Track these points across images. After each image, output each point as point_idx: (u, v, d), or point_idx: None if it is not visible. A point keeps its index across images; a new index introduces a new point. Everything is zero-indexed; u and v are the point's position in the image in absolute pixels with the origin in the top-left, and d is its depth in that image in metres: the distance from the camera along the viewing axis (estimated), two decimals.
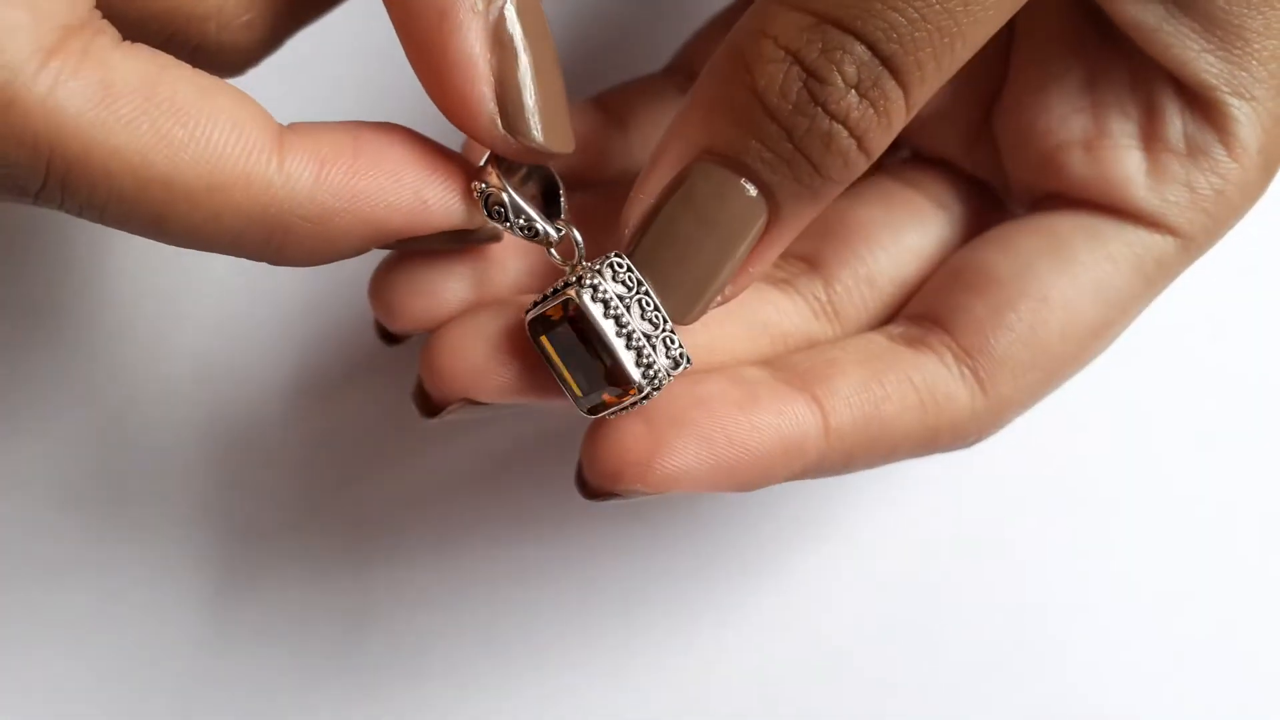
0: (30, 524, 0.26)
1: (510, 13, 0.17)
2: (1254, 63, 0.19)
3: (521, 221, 0.18)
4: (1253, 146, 0.20)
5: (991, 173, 0.23)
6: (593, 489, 0.19)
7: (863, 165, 0.17)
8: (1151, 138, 0.20)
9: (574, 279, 0.18)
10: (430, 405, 0.19)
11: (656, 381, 0.18)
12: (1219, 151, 0.20)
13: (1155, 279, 0.21)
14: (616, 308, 0.18)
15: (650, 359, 0.18)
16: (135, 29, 0.16)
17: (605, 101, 0.22)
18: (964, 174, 0.23)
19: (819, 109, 0.17)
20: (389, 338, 0.20)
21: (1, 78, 0.14)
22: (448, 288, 0.19)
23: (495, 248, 0.20)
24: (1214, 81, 0.19)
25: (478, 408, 0.19)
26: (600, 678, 0.27)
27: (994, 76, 0.22)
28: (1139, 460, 0.28)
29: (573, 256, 0.18)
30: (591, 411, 0.18)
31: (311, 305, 0.26)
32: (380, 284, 0.19)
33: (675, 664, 0.27)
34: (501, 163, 0.18)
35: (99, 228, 0.18)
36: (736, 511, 0.27)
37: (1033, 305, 0.20)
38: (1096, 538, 0.28)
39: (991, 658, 0.27)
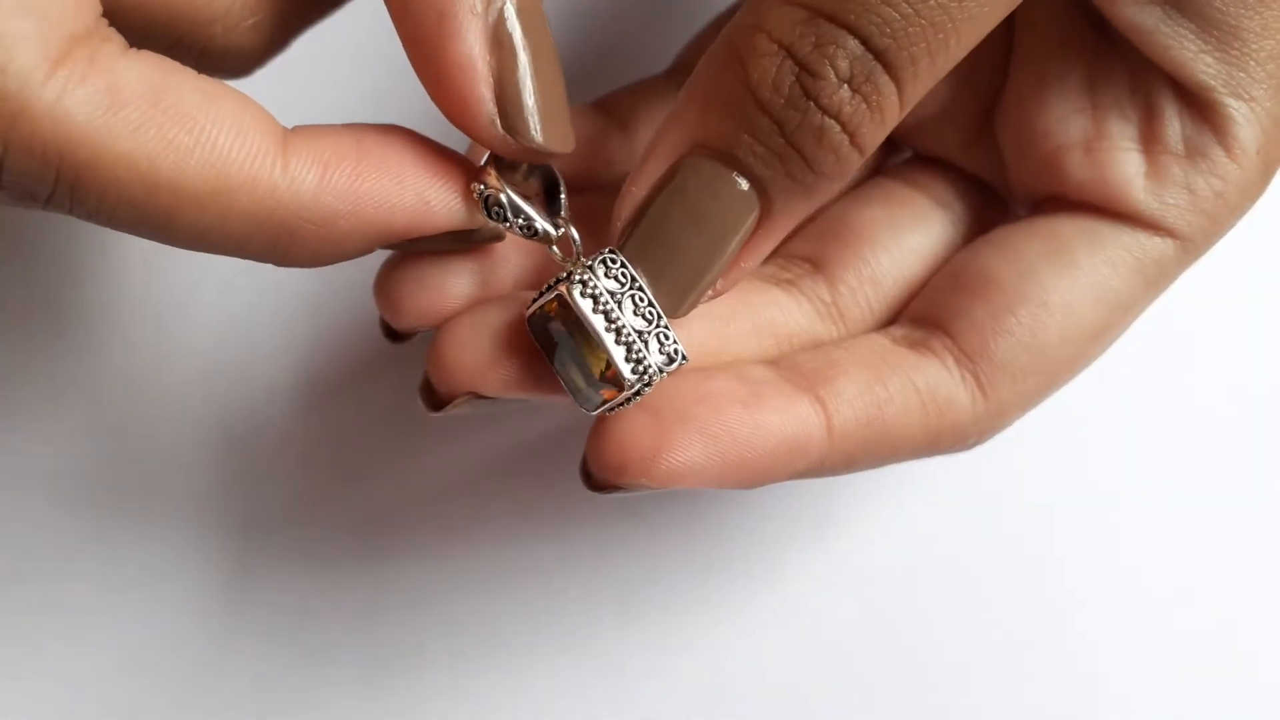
0: (33, 520, 0.27)
1: (509, 14, 0.17)
2: (1252, 63, 0.19)
3: (520, 221, 0.18)
4: (1251, 147, 0.20)
5: (993, 173, 0.23)
6: (597, 481, 0.19)
7: (856, 160, 0.17)
8: (1150, 140, 0.20)
9: (566, 275, 0.18)
10: (436, 399, 0.19)
11: (647, 378, 0.18)
12: (1218, 153, 0.20)
13: (1155, 281, 0.21)
14: (607, 303, 0.18)
15: (641, 354, 0.18)
16: (141, 35, 0.17)
17: (607, 104, 0.23)
18: (966, 174, 0.23)
19: (811, 103, 0.17)
20: (394, 335, 0.20)
21: (10, 87, 0.15)
22: (452, 284, 0.20)
23: (501, 245, 0.20)
24: (1212, 83, 0.20)
25: (483, 402, 0.19)
26: (603, 676, 0.27)
27: (994, 78, 0.22)
28: (1138, 461, 0.28)
29: (573, 254, 0.19)
30: (590, 407, 0.18)
31: (316, 304, 0.27)
32: (385, 282, 0.20)
33: (676, 663, 0.27)
34: (502, 162, 0.18)
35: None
36: (737, 511, 0.27)
37: (1033, 309, 0.20)
38: (1097, 538, 0.28)
39: (992, 658, 0.27)
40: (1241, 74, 0.20)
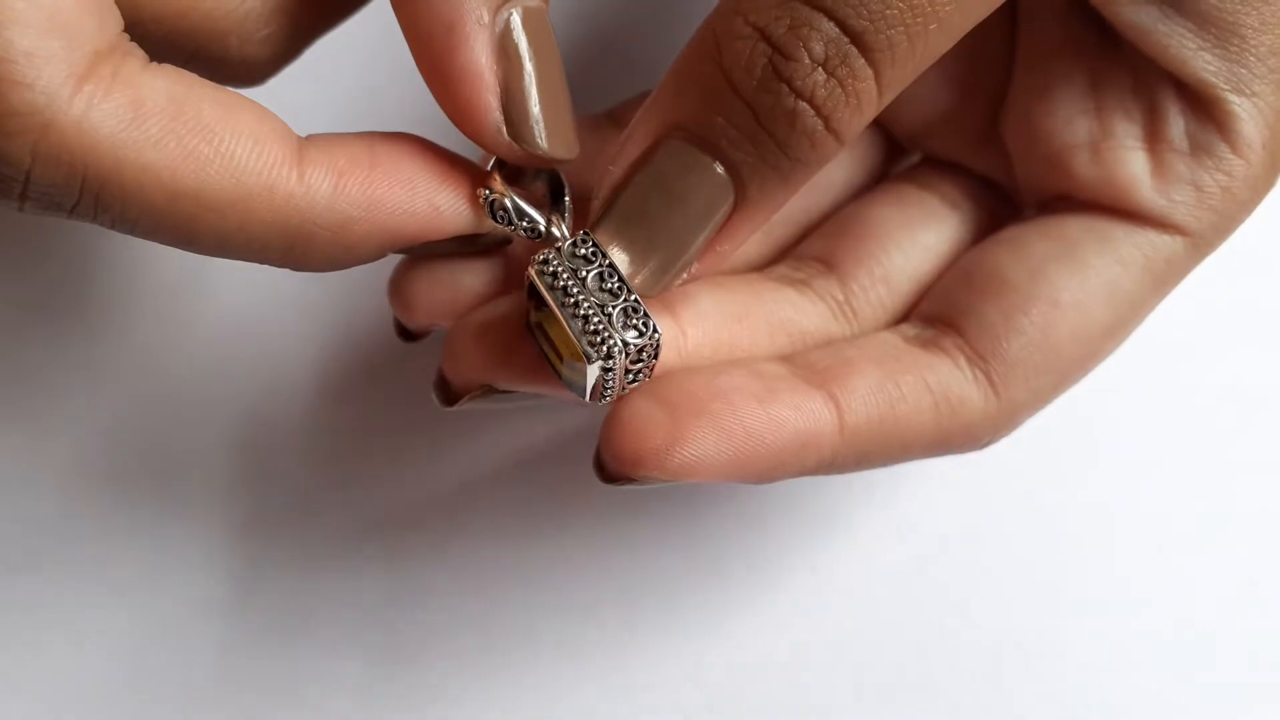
0: (37, 519, 0.27)
1: (516, 24, 0.18)
2: (1252, 58, 0.20)
3: (525, 223, 0.19)
4: (1257, 142, 0.20)
5: (1001, 174, 0.23)
6: (610, 473, 0.19)
7: (831, 146, 0.17)
8: (1155, 138, 0.21)
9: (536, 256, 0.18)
10: (450, 394, 0.20)
11: (605, 349, 0.18)
12: (1223, 149, 0.20)
13: (1165, 279, 0.21)
14: (566, 280, 0.18)
15: (599, 327, 0.18)
16: (161, 47, 0.18)
17: (619, 116, 0.23)
18: (975, 175, 0.23)
19: (784, 86, 0.17)
20: (408, 335, 0.21)
21: (38, 102, 0.16)
22: (465, 283, 0.20)
23: (515, 246, 0.20)
24: (1213, 79, 0.20)
25: (497, 397, 0.20)
26: (606, 676, 0.27)
27: (999, 80, 0.22)
28: (1143, 461, 0.28)
29: None
30: (579, 390, 0.19)
31: (325, 304, 0.27)
32: (399, 282, 0.20)
33: (679, 662, 0.27)
34: (508, 167, 0.19)
35: None
36: (740, 511, 0.28)
37: (1044, 309, 0.20)
38: (1102, 538, 0.28)
39: (997, 658, 0.27)
40: (1242, 69, 0.20)
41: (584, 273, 0.18)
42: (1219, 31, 0.20)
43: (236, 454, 0.27)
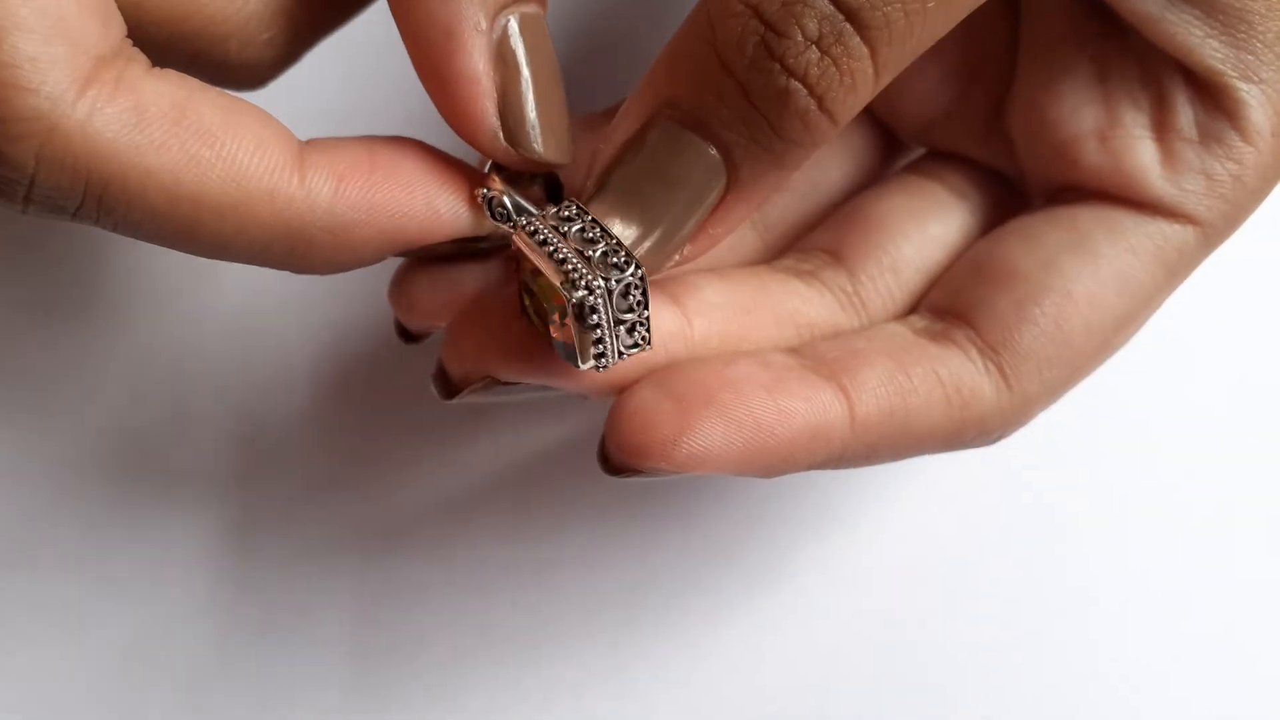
0: (32, 515, 0.27)
1: (513, 30, 0.18)
2: (1259, 45, 0.20)
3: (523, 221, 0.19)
4: (1266, 129, 0.20)
5: (1008, 165, 0.23)
6: (615, 464, 0.19)
7: (826, 128, 0.17)
8: (1164, 127, 0.21)
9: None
10: (450, 385, 0.20)
11: (585, 282, 0.17)
12: (1233, 137, 0.20)
13: (1177, 269, 0.21)
14: (545, 234, 0.18)
15: (576, 264, 0.17)
16: (163, 50, 0.18)
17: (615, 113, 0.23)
18: (982, 166, 0.23)
19: (776, 64, 0.16)
20: (408, 336, 0.21)
21: (43, 107, 0.16)
22: (466, 284, 0.20)
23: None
24: (1221, 67, 0.20)
25: (497, 389, 0.19)
26: (605, 675, 0.27)
27: (1002, 71, 0.23)
28: (1147, 458, 0.28)
29: None
30: (565, 353, 0.18)
31: (322, 303, 0.27)
32: (400, 283, 0.21)
33: (680, 662, 0.27)
34: (505, 170, 0.19)
35: None
36: (741, 509, 0.28)
37: (1056, 299, 0.20)
38: (1106, 535, 0.28)
39: (1001, 656, 0.27)
40: (1250, 56, 0.20)
41: (565, 229, 0.18)
42: (1226, 18, 0.20)
43: (233, 452, 0.27)
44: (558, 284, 0.17)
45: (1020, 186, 0.23)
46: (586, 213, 0.18)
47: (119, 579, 0.27)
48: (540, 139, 0.18)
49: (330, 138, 0.18)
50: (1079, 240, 0.21)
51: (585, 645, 0.27)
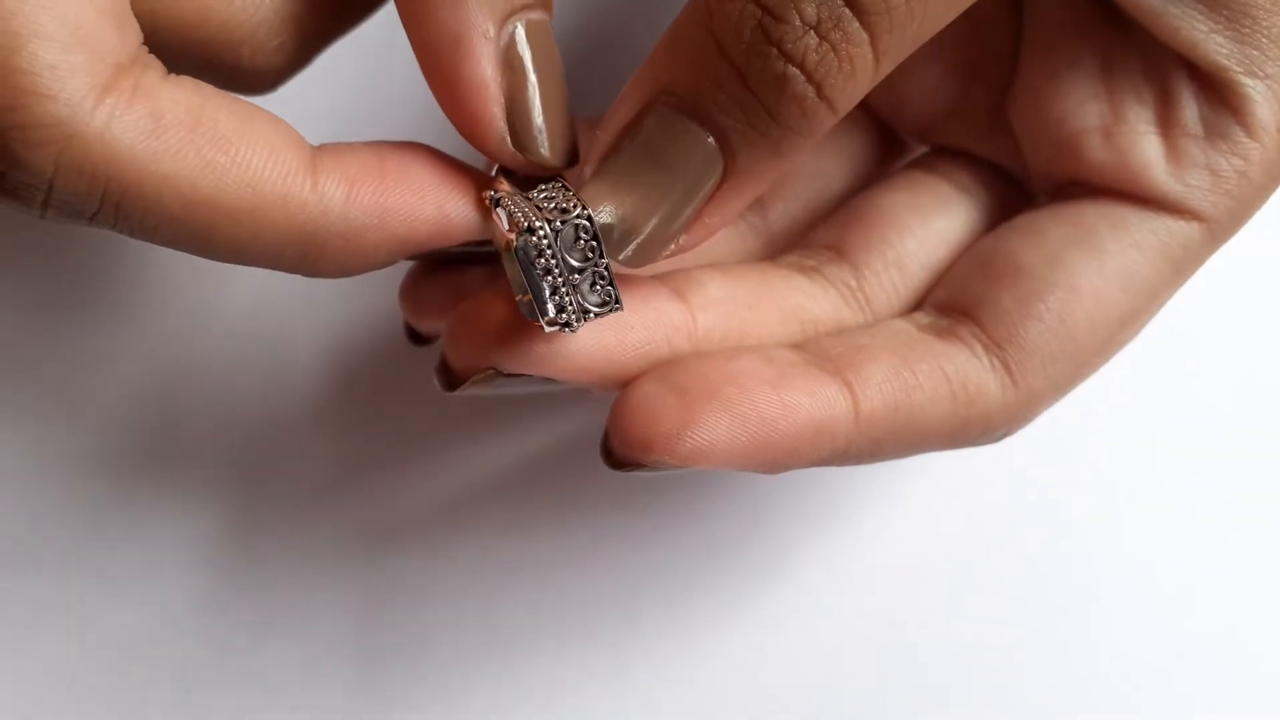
0: (33, 514, 0.28)
1: (520, 37, 0.18)
2: (1264, 40, 0.20)
3: None
4: (1271, 124, 0.20)
5: (1011, 161, 0.23)
6: (619, 458, 0.19)
7: (825, 115, 0.17)
8: (1168, 123, 0.21)
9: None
10: (452, 377, 0.20)
11: (528, 225, 0.17)
12: (1238, 132, 0.20)
13: (1183, 266, 0.21)
14: (508, 203, 0.18)
15: (525, 211, 0.18)
16: (176, 57, 0.18)
17: None
18: (985, 162, 0.23)
19: (773, 49, 0.16)
20: (418, 339, 0.21)
21: (62, 114, 0.16)
22: (473, 285, 0.20)
23: None
24: (1225, 62, 0.20)
25: (500, 381, 0.19)
26: (606, 675, 0.28)
27: (1005, 66, 0.23)
28: (1150, 456, 0.28)
29: None
30: (529, 309, 0.18)
31: (335, 302, 0.28)
32: (410, 286, 0.21)
33: (681, 661, 0.28)
34: (513, 174, 0.19)
35: None
36: (742, 507, 0.28)
37: (1062, 295, 0.20)
38: (1109, 533, 0.28)
39: (1003, 654, 0.28)
40: (1255, 51, 0.20)
41: (531, 194, 0.18)
42: (1230, 13, 0.20)
43: (236, 452, 0.28)
44: (514, 229, 0.17)
45: (1024, 182, 0.23)
46: (563, 186, 0.18)
47: (121, 579, 0.28)
48: (547, 143, 0.19)
49: (342, 143, 0.19)
50: (1084, 236, 0.21)
51: (587, 644, 0.28)
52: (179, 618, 0.28)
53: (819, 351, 0.20)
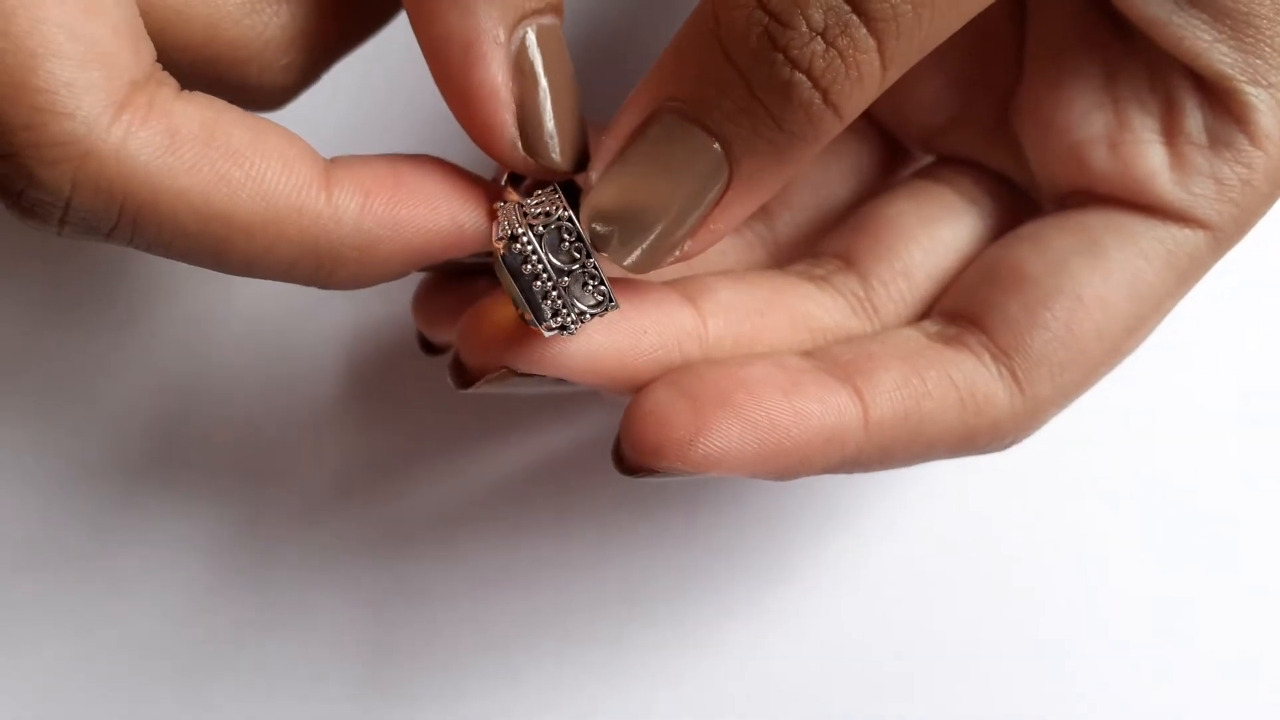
0: (37, 513, 0.28)
1: (531, 42, 0.18)
2: (1268, 50, 0.20)
3: None
4: (1275, 133, 0.20)
5: (1016, 170, 0.23)
6: (630, 464, 0.19)
7: (831, 122, 0.17)
8: (1173, 132, 0.21)
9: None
10: (466, 375, 0.20)
11: (510, 232, 0.18)
12: (1242, 141, 0.21)
13: (1188, 274, 0.21)
14: (503, 212, 0.18)
15: (506, 223, 0.18)
16: (185, 75, 0.19)
17: None
18: (991, 171, 0.24)
19: (779, 55, 0.16)
20: (430, 348, 0.22)
21: (79, 131, 0.16)
22: (484, 295, 0.20)
23: None
24: (1229, 71, 0.20)
25: (514, 381, 0.20)
26: (607, 675, 0.28)
27: (1009, 76, 0.23)
28: (1151, 460, 0.28)
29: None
30: (519, 300, 0.18)
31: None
32: (423, 296, 0.21)
33: (682, 662, 0.28)
34: (522, 180, 0.19)
35: None
36: (743, 512, 0.28)
37: (1068, 304, 0.21)
38: (1110, 537, 0.28)
39: (1005, 656, 0.28)
40: (1258, 61, 0.20)
41: (525, 202, 0.18)
42: (1234, 23, 0.20)
43: (243, 452, 0.28)
44: (494, 244, 0.18)
45: (1029, 191, 0.23)
46: (554, 190, 0.18)
47: (126, 579, 0.28)
48: (558, 148, 0.19)
49: (353, 156, 0.19)
50: (1089, 244, 0.21)
51: (592, 645, 0.28)
52: (185, 618, 0.28)
53: (829, 359, 0.21)
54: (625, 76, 0.27)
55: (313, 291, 0.27)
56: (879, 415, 0.20)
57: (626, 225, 0.18)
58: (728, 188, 0.18)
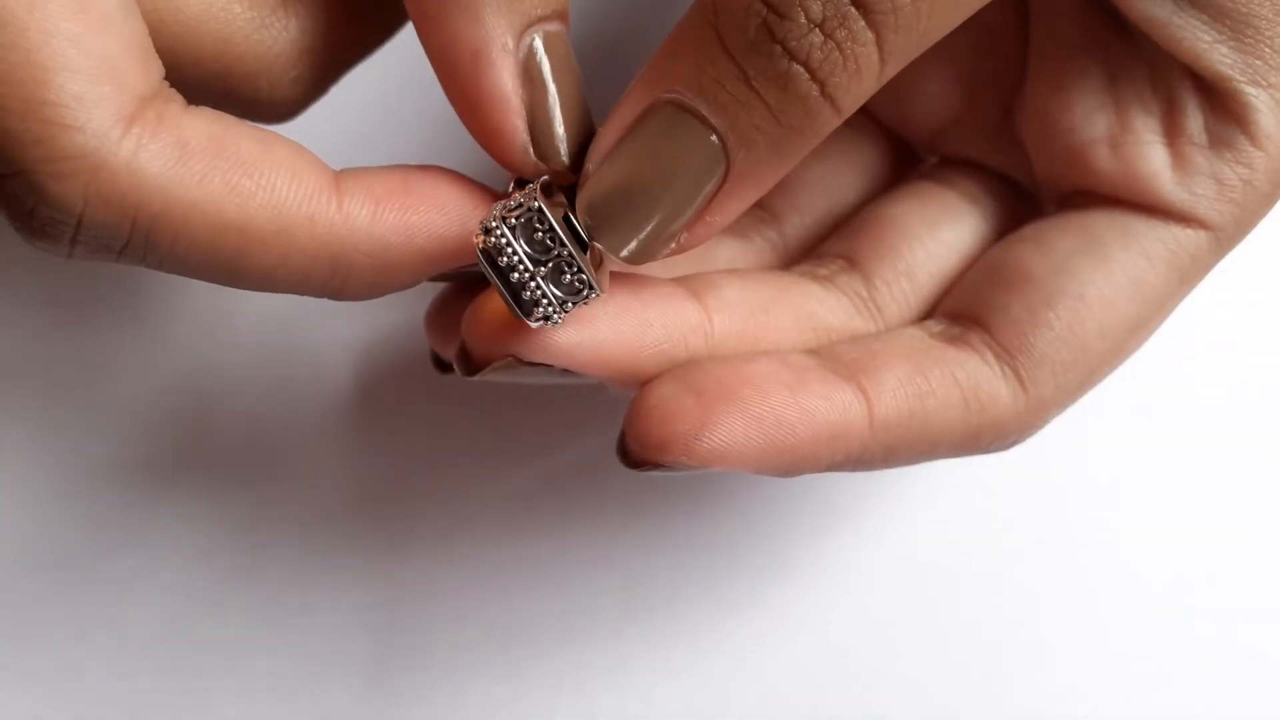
0: (38, 513, 0.28)
1: (538, 49, 0.19)
2: (1267, 50, 0.20)
3: None
4: (1275, 133, 0.21)
5: (1019, 171, 0.24)
6: (635, 458, 0.19)
7: (828, 115, 0.17)
8: (1174, 132, 0.21)
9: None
10: (472, 363, 0.20)
11: (483, 226, 0.18)
12: (1242, 142, 0.21)
13: (1190, 274, 0.21)
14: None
15: (487, 219, 0.18)
16: (197, 88, 0.19)
17: None
18: (993, 172, 0.24)
19: (777, 47, 0.17)
20: (444, 367, 0.22)
21: (90, 145, 0.17)
22: None
23: None
24: (1229, 72, 0.20)
25: (521, 370, 0.20)
26: (608, 672, 0.28)
27: (1011, 76, 0.23)
28: (1153, 458, 0.29)
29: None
30: (501, 291, 0.18)
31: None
32: (435, 315, 0.21)
33: (682, 662, 0.28)
34: (527, 183, 0.20)
35: None
36: (743, 510, 0.28)
37: (1071, 304, 0.21)
38: (1116, 536, 0.28)
39: (1007, 657, 0.28)
40: (1258, 61, 0.20)
41: (507, 202, 0.18)
42: (1234, 24, 0.20)
43: (245, 453, 0.28)
44: (474, 239, 0.18)
45: (1032, 192, 0.24)
46: (532, 185, 0.18)
47: (128, 580, 0.28)
48: (568, 153, 0.19)
49: (362, 167, 0.19)
50: (1092, 245, 0.21)
51: (590, 643, 0.28)
52: (186, 621, 0.28)
53: (833, 357, 0.21)
54: (627, 78, 0.27)
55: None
56: (883, 413, 0.20)
57: (622, 216, 0.18)
58: (725, 180, 0.18)
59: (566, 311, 0.18)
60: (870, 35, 0.17)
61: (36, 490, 0.28)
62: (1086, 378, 0.21)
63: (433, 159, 0.20)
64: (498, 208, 0.18)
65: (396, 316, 0.28)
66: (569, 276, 0.18)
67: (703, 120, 0.17)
